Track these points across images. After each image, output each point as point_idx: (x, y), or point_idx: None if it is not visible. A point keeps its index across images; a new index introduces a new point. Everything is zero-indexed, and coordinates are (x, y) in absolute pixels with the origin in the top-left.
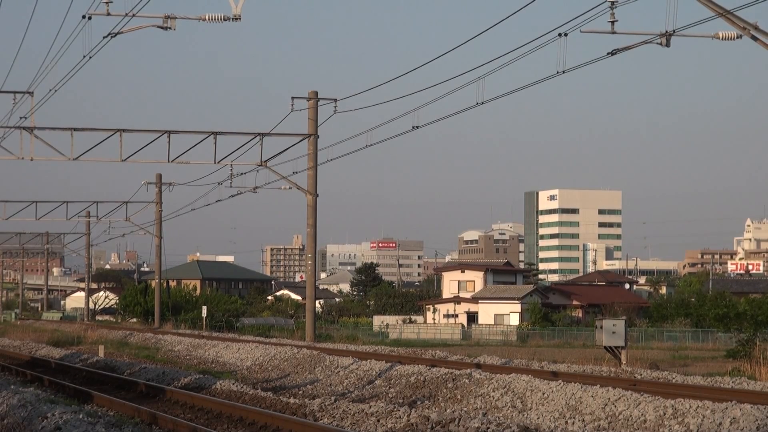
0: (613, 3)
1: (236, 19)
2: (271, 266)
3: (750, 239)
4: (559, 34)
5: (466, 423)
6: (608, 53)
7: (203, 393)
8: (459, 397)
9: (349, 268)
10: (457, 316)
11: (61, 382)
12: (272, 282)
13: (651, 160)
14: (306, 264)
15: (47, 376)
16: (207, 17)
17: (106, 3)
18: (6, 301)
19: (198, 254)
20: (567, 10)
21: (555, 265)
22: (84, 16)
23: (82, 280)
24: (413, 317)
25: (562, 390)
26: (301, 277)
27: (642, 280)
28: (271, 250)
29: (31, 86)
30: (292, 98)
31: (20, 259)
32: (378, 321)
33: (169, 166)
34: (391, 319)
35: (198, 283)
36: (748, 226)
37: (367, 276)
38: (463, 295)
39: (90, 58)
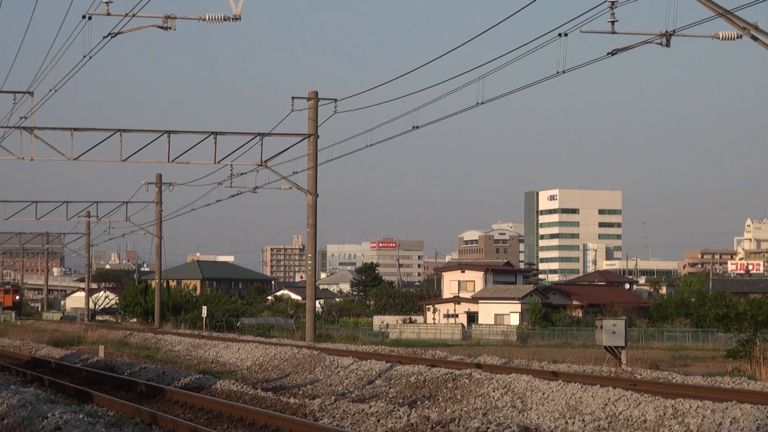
0: (613, 3)
1: (236, 19)
2: (271, 266)
3: (750, 239)
4: (559, 34)
5: (466, 423)
6: (608, 53)
7: (203, 393)
8: (459, 397)
9: (349, 268)
10: (457, 316)
11: (61, 382)
12: (272, 282)
13: (651, 160)
14: (306, 264)
15: (47, 376)
16: (207, 17)
17: (106, 3)
18: None
19: (198, 254)
20: (567, 10)
21: (555, 265)
22: (84, 16)
23: (82, 280)
24: (413, 317)
25: (562, 390)
26: (301, 277)
27: (642, 280)
28: (271, 250)
29: (31, 86)
30: (292, 98)
31: (20, 259)
32: (378, 321)
33: (169, 166)
34: (391, 319)
35: (198, 283)
36: (748, 226)
37: (367, 276)
38: (463, 295)
39: (90, 58)
